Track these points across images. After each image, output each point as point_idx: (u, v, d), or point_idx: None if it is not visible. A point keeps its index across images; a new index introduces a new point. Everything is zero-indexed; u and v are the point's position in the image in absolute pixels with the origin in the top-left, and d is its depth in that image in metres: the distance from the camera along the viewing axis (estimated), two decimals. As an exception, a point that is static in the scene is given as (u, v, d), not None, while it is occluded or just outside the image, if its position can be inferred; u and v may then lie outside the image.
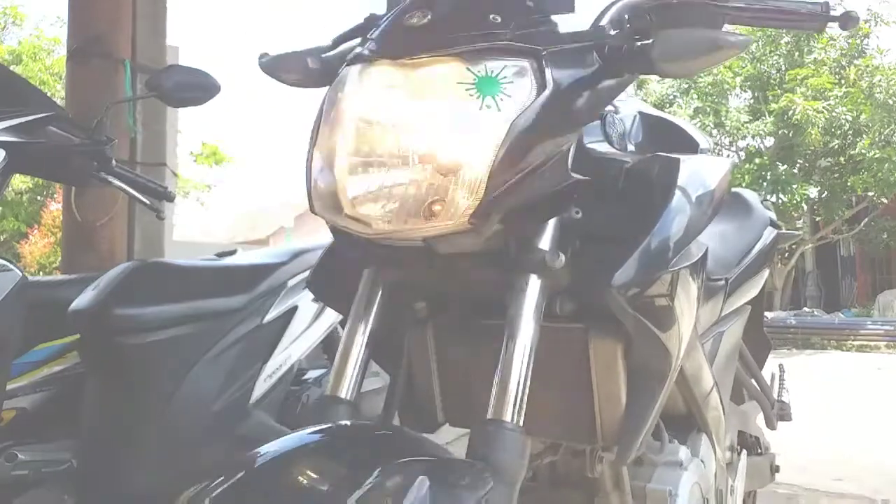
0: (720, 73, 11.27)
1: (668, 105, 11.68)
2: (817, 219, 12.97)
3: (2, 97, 1.33)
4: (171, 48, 2.92)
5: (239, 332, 1.52)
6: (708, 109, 11.53)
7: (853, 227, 12.44)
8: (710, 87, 11.55)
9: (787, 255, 12.24)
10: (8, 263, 1.30)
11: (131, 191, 1.59)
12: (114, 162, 1.51)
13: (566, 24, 0.74)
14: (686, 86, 11.85)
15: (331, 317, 1.70)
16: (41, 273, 9.46)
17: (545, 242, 0.74)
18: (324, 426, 0.71)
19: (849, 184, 11.31)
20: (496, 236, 0.70)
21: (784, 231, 1.70)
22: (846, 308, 12.12)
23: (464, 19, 0.71)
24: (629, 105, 1.07)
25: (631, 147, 1.01)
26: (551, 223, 0.75)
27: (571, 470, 1.05)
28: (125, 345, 1.38)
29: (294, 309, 1.62)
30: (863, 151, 10.75)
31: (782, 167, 11.50)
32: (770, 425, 1.70)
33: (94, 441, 1.42)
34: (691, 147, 1.13)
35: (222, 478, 0.62)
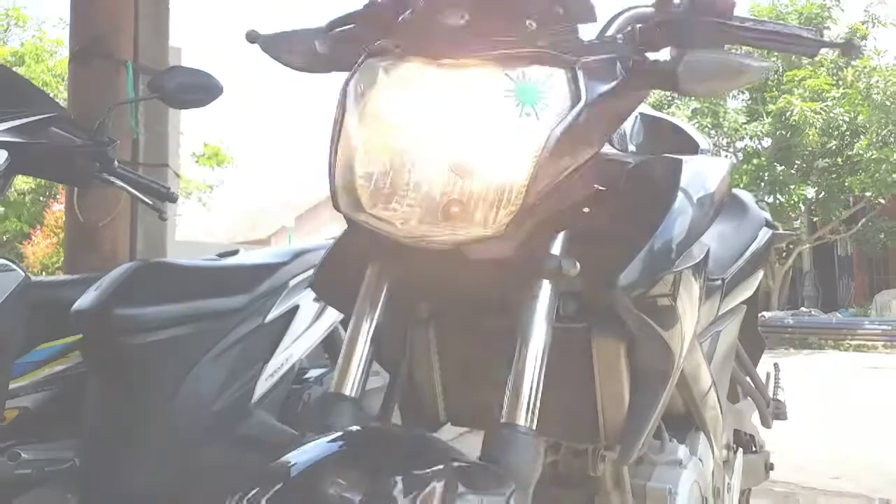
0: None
1: (666, 106, 11.69)
2: (815, 219, 12.98)
3: (4, 98, 1.34)
4: (173, 49, 2.92)
5: (240, 331, 1.52)
6: (706, 110, 11.54)
7: (850, 227, 12.45)
8: (708, 87, 11.54)
9: (784, 255, 12.26)
10: (10, 263, 1.30)
11: (134, 191, 1.59)
12: (116, 163, 1.51)
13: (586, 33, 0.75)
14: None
15: (332, 316, 1.71)
16: (44, 273, 9.45)
17: (557, 248, 0.74)
18: (345, 431, 0.69)
19: (846, 184, 11.32)
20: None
21: (779, 231, 1.71)
22: (843, 308, 12.14)
23: (502, 23, 0.70)
24: None
25: (632, 148, 1.02)
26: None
27: (573, 469, 1.05)
28: (127, 344, 1.39)
29: (295, 308, 1.63)
30: (860, 152, 10.77)
31: (780, 168, 11.52)
32: (765, 423, 1.71)
33: (96, 440, 1.43)
34: (692, 148, 1.14)
35: (257, 489, 0.61)
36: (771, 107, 11.36)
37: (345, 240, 0.91)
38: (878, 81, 10.57)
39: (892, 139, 10.69)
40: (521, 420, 0.69)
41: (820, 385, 5.79)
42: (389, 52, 0.70)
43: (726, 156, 12.05)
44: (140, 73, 2.50)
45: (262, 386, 1.57)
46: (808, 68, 11.33)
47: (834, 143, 11.39)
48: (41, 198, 11.71)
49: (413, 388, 0.99)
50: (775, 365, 1.88)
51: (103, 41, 2.47)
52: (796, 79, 11.12)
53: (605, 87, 0.71)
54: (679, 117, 7.76)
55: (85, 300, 1.40)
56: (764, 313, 9.63)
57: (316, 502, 0.60)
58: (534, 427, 0.70)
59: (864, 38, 11.38)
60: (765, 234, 1.58)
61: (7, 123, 1.29)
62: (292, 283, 1.62)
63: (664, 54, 0.74)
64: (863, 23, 11.54)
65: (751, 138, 12.10)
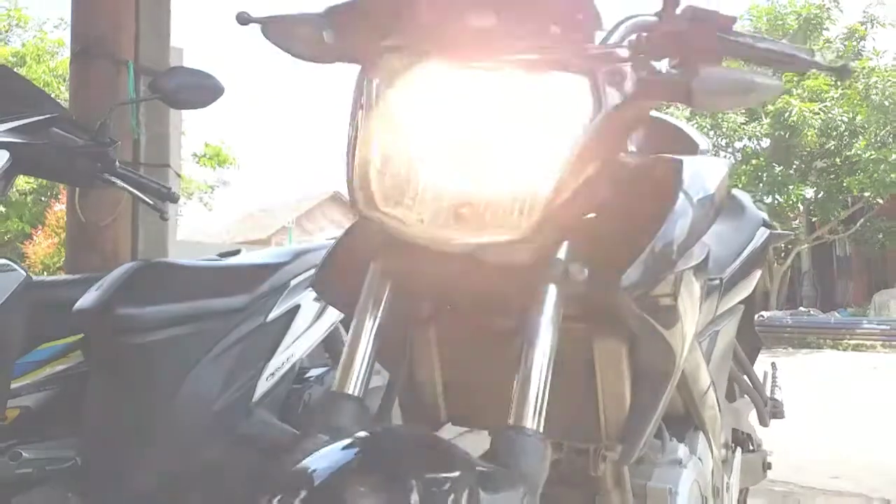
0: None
1: (665, 106, 11.69)
2: (813, 219, 12.99)
3: (5, 99, 1.34)
4: (175, 50, 2.92)
5: (241, 331, 1.53)
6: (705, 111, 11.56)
7: (849, 227, 12.46)
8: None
9: (783, 255, 12.27)
10: (12, 263, 1.31)
11: (135, 192, 1.59)
12: (117, 163, 1.52)
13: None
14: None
15: (332, 316, 1.71)
16: (45, 273, 9.45)
17: (563, 252, 0.75)
18: (362, 435, 0.68)
19: (845, 184, 11.33)
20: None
21: (776, 231, 1.71)
22: (842, 308, 12.14)
23: (529, 27, 0.70)
24: None
25: (632, 148, 1.02)
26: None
27: (573, 469, 1.06)
28: (128, 344, 1.39)
29: (296, 308, 1.63)
30: (859, 152, 10.77)
31: (779, 168, 11.52)
32: (763, 422, 1.72)
33: (97, 439, 1.43)
34: (692, 148, 1.14)
35: (281, 496, 0.61)
36: (770, 107, 11.36)
37: (346, 240, 0.91)
38: (876, 82, 10.57)
39: (890, 139, 10.70)
40: (529, 423, 0.70)
41: (819, 385, 5.79)
42: (412, 51, 0.69)
43: (725, 156, 12.06)
44: (141, 73, 2.51)
45: (263, 385, 1.57)
46: (807, 69, 11.32)
47: (832, 143, 11.39)
48: (43, 198, 11.73)
49: (413, 388, 0.99)
50: (773, 364, 1.89)
51: (104, 42, 2.47)
52: (795, 79, 11.11)
53: (622, 96, 0.71)
54: (679, 117, 7.74)
55: (86, 300, 1.40)
56: (763, 313, 9.62)
57: None
58: (541, 430, 0.70)
59: (862, 38, 11.40)
60: (762, 234, 1.58)
61: (8, 124, 1.30)
62: (293, 282, 1.63)
63: (664, 65, 0.74)
64: (861, 23, 11.56)
65: (749, 139, 12.10)
